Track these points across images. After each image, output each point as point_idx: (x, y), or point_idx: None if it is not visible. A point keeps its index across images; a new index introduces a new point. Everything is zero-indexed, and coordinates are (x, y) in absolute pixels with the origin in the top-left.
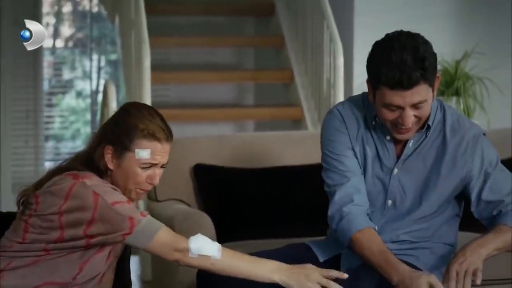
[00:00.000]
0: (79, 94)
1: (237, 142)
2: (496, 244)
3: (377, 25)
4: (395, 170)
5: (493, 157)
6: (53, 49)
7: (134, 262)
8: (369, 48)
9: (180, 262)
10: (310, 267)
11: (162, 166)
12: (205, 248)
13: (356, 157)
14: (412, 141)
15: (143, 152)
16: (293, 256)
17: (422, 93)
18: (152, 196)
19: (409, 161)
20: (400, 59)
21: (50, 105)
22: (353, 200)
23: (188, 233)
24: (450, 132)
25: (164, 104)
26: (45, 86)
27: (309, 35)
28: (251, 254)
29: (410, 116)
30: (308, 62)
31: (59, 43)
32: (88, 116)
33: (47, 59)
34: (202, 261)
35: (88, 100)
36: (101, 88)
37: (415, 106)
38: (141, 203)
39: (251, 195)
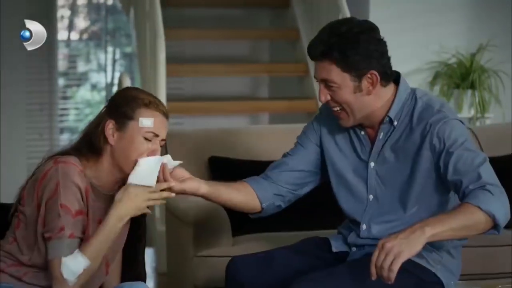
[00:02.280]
0: (94, 87)
1: (252, 134)
2: (451, 225)
3: (392, 17)
4: (371, 164)
5: (456, 136)
6: (68, 42)
7: (149, 254)
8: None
9: None
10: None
11: (161, 144)
12: (73, 268)
13: (323, 152)
14: (382, 133)
15: (147, 121)
16: (310, 250)
17: (329, 72)
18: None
19: (383, 154)
20: (322, 31)
21: (65, 98)
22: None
23: (203, 225)
24: (416, 120)
25: (178, 97)
26: (60, 79)
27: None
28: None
29: (322, 90)
30: None
31: (74, 36)
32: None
33: (62, 52)
34: (80, 280)
35: (103, 93)
36: (116, 81)
37: (326, 84)
38: None
39: None
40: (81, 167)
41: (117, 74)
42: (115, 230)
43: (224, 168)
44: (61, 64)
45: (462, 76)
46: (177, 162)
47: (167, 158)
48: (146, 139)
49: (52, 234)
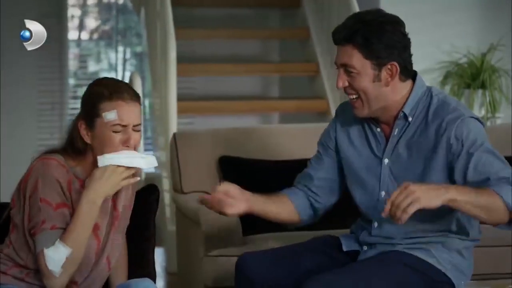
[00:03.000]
0: None
1: (262, 134)
2: (474, 198)
3: (403, 16)
4: (386, 160)
5: (475, 137)
6: (78, 41)
7: (159, 254)
8: None
9: (49, 283)
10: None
11: (135, 129)
12: (55, 258)
13: (337, 149)
14: (396, 129)
15: (110, 114)
16: (320, 248)
17: (350, 57)
18: (177, 188)
19: (397, 150)
20: (348, 18)
21: (76, 97)
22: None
23: (213, 225)
24: (432, 116)
25: (189, 96)
26: (71, 78)
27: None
28: (276, 247)
29: (341, 76)
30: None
31: (85, 35)
32: None
33: (72, 51)
34: (66, 270)
35: None
36: (126, 80)
37: (345, 69)
38: (166, 195)
39: (276, 187)
40: (63, 162)
41: (127, 74)
42: (91, 214)
43: (235, 168)
44: (72, 64)
45: (472, 76)
46: (154, 164)
47: (147, 162)
48: (115, 131)
49: (35, 229)
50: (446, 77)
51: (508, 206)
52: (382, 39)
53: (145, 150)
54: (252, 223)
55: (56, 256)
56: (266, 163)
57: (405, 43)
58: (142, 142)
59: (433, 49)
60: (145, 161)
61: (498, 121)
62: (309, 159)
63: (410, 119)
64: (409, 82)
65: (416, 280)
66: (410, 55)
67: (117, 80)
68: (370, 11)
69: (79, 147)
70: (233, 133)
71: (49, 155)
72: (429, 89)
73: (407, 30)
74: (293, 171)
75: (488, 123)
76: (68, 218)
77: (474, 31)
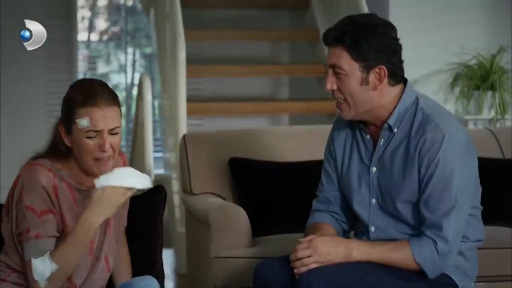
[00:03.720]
0: (114, 88)
1: (271, 135)
2: (371, 256)
3: (413, 18)
4: (373, 169)
5: (444, 165)
6: (87, 43)
7: (169, 255)
8: (403, 40)
9: None
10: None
11: (112, 133)
12: (41, 270)
13: (335, 158)
14: (382, 140)
15: (83, 121)
16: None
17: (339, 58)
18: (187, 190)
19: (383, 159)
20: (340, 20)
21: None
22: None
23: (223, 226)
24: (415, 132)
25: (198, 98)
26: None
27: None
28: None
29: (330, 77)
30: None
31: (94, 37)
32: (124, 109)
33: (82, 53)
34: (52, 283)
35: (123, 94)
36: (136, 82)
37: (334, 71)
38: (176, 197)
39: (286, 189)
40: (49, 166)
41: (137, 75)
42: (86, 236)
43: (244, 169)
44: (81, 65)
45: (482, 77)
46: (149, 186)
47: (142, 181)
48: (89, 137)
49: (22, 237)
50: (456, 78)
51: (419, 265)
52: (371, 41)
53: (155, 151)
54: (262, 225)
55: (42, 269)
56: (276, 165)
57: (395, 47)
58: (151, 143)
59: (443, 50)
60: (141, 180)
61: (508, 123)
62: (320, 170)
63: (395, 130)
64: (397, 88)
65: (421, 283)
66: (401, 60)
67: (94, 83)
68: (364, 14)
69: (62, 150)
70: (242, 135)
71: (34, 161)
72: (417, 100)
73: (416, 31)
74: (302, 173)
75: (498, 125)
76: (54, 223)
77: (484, 33)
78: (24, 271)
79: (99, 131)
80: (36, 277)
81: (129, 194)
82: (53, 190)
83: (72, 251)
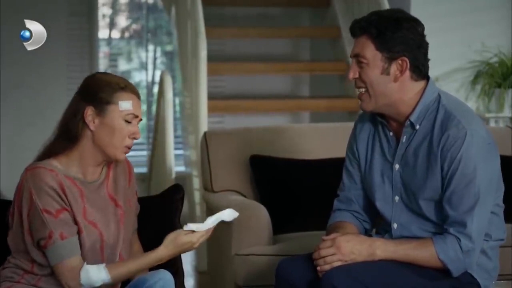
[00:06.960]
0: (135, 85)
1: (292, 133)
2: (394, 254)
3: (434, 16)
4: (396, 166)
5: (466, 163)
6: (109, 40)
7: (190, 253)
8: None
9: None
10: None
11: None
12: (93, 279)
13: (358, 157)
14: (405, 136)
15: (126, 103)
16: None
17: (363, 46)
18: (208, 187)
19: (406, 156)
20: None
21: None
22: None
23: (244, 224)
24: (438, 128)
25: (219, 95)
26: None
27: None
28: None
29: (353, 67)
30: None
31: (115, 34)
32: (144, 107)
33: (103, 50)
34: None
35: (144, 91)
36: (157, 79)
37: (357, 60)
38: (197, 194)
39: (307, 186)
40: (49, 167)
41: (158, 73)
42: (149, 266)
43: (265, 167)
44: (102, 63)
45: (503, 75)
46: (235, 215)
47: (228, 213)
48: (126, 121)
49: (44, 242)
50: (477, 76)
51: (444, 263)
52: (396, 33)
53: (175, 148)
54: (282, 222)
55: (94, 277)
56: (297, 162)
57: (420, 42)
58: (172, 140)
59: (465, 48)
60: (227, 213)
61: None
62: (341, 168)
63: (417, 127)
64: (420, 84)
65: (442, 282)
66: (426, 57)
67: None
68: (391, 9)
69: (76, 134)
70: (263, 132)
71: (33, 165)
72: (439, 97)
73: (438, 29)
74: (323, 170)
75: None
76: (70, 221)
77: (505, 31)
78: (55, 273)
79: (137, 117)
80: (83, 280)
81: (207, 236)
82: (61, 188)
83: (130, 273)
